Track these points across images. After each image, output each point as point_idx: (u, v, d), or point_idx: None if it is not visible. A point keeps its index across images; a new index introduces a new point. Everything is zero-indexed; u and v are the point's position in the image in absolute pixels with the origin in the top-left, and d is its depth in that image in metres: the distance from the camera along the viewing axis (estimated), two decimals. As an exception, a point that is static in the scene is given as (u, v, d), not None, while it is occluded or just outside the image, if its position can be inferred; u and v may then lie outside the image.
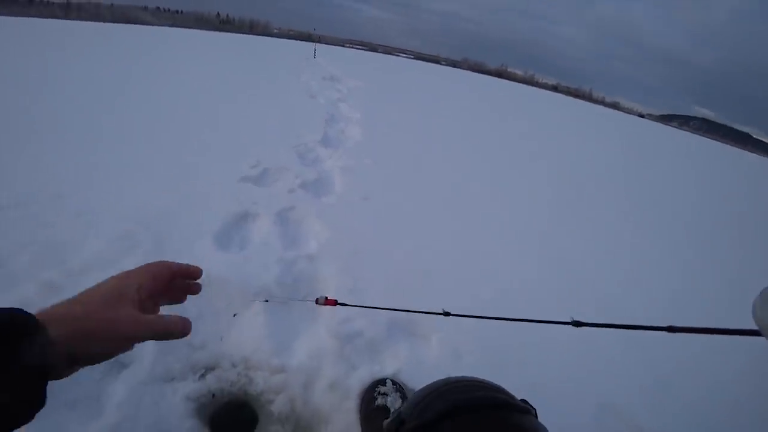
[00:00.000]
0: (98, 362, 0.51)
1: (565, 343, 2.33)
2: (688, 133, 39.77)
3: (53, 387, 1.30)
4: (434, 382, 0.93)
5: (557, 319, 1.11)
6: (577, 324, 1.08)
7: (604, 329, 1.03)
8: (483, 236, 3.51)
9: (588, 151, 9.60)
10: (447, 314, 1.38)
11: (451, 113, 11.04)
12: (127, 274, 0.60)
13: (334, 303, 1.46)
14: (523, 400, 0.83)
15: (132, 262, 2.33)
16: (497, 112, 14.28)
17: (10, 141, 3.96)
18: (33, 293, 2.04)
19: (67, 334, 0.46)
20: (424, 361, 2.06)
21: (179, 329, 0.59)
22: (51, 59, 8.47)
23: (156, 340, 0.57)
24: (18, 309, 0.43)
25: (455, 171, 5.27)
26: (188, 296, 0.75)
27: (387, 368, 1.95)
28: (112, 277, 0.59)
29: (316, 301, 1.45)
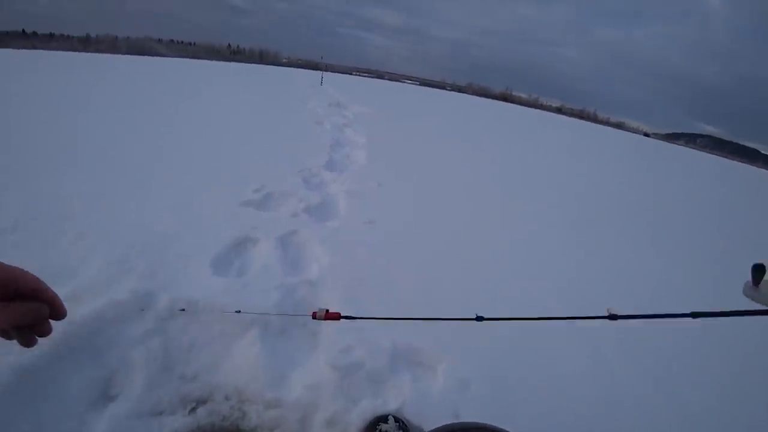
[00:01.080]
0: None
1: (580, 376, 2.20)
2: (695, 151, 39.42)
3: (34, 420, 1.20)
4: (443, 426, 0.83)
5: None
6: (613, 317, 1.04)
7: (640, 320, 1.07)
8: (491, 265, 3.38)
9: (595, 172, 9.49)
10: (480, 319, 1.25)
11: (456, 137, 11.07)
12: None
13: (338, 317, 1.31)
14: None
15: (125, 287, 2.26)
16: (502, 135, 14.32)
17: (18, 163, 3.99)
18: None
19: None
20: (429, 394, 1.93)
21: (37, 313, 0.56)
22: (63, 88, 8.67)
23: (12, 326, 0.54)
24: None
25: (460, 194, 5.20)
26: (45, 333, 0.61)
27: (389, 402, 1.82)
28: None
29: (313, 316, 1.30)
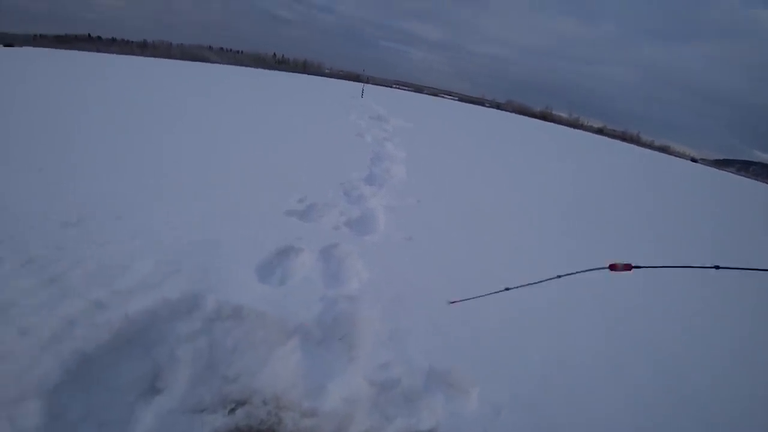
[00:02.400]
0: None
1: (615, 413, 2.14)
2: (747, 179, 36.73)
3: (88, 404, 1.30)
4: None
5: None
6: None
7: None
8: (532, 287, 3.31)
9: (640, 198, 9.17)
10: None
11: (495, 155, 10.98)
12: None
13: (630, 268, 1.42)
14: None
15: (175, 288, 2.38)
16: (542, 154, 14.06)
17: (81, 161, 4.28)
18: (79, 311, 2.11)
19: None
20: (463, 416, 1.93)
21: None
22: (124, 90, 9.22)
23: None
24: None
25: (501, 214, 5.15)
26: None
27: (423, 422, 1.84)
28: None
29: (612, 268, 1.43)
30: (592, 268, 1.84)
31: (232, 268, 2.68)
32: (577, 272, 2.00)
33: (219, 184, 4.20)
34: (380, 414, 1.86)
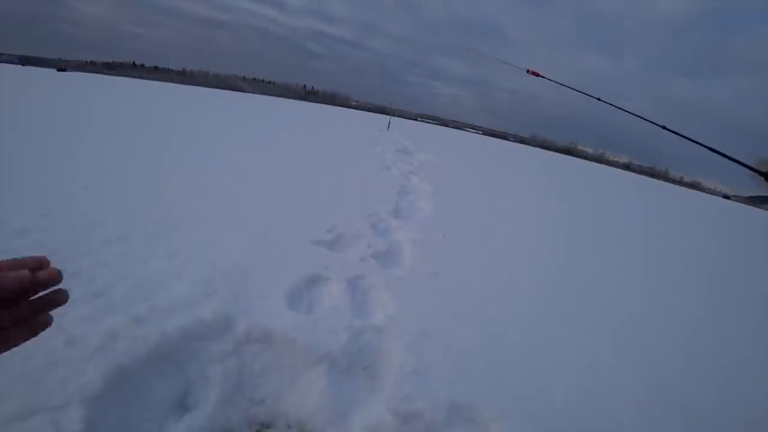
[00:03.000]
0: None
1: None
2: None
3: (122, 415, 1.39)
4: None
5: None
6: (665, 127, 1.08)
7: None
8: (556, 324, 3.30)
9: (672, 237, 8.94)
10: None
11: (520, 190, 10.98)
12: None
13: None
14: None
15: (209, 308, 2.49)
16: (568, 190, 13.96)
17: (125, 180, 4.53)
18: (121, 325, 2.23)
19: None
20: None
21: (15, 281, 0.47)
22: (167, 115, 9.72)
23: None
24: None
25: (526, 250, 5.15)
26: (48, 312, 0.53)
27: (445, 457, 1.85)
28: None
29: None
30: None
31: (262, 294, 2.79)
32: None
33: (252, 210, 4.39)
34: (402, 446, 1.88)
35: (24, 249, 2.90)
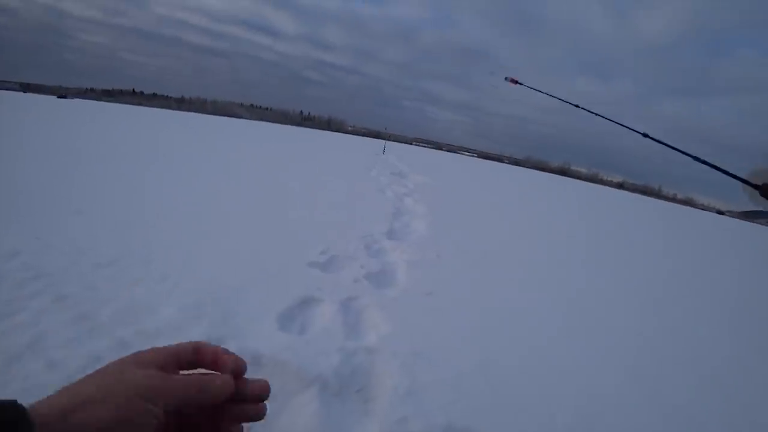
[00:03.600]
0: None
1: None
2: None
3: None
4: None
5: None
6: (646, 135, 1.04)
7: None
8: (556, 343, 3.22)
9: (668, 253, 8.92)
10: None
11: (515, 211, 11.01)
12: (135, 354, 0.42)
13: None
14: None
15: (197, 331, 2.44)
16: (562, 210, 13.99)
17: (117, 205, 4.50)
18: (106, 348, 2.18)
19: (56, 413, 0.33)
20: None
21: (222, 389, 0.42)
22: (162, 141, 9.77)
23: (190, 403, 0.40)
24: (9, 402, 0.32)
25: (522, 269, 5.11)
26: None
27: (441, 483, 1.77)
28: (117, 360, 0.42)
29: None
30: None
31: (253, 316, 2.73)
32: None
33: (246, 232, 4.36)
34: (397, 473, 1.80)
35: (13, 271, 2.86)
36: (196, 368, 0.43)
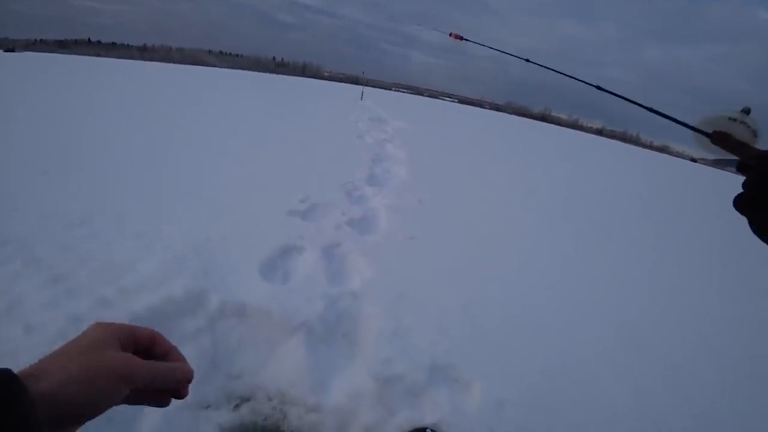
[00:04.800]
0: (91, 414, 0.41)
1: (633, 413, 2.15)
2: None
3: None
4: None
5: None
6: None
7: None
8: (535, 284, 3.34)
9: (636, 197, 9.17)
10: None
11: (495, 155, 11.01)
12: (106, 327, 0.48)
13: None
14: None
15: (180, 285, 2.40)
16: (542, 155, 14.07)
17: (84, 164, 4.31)
18: (86, 308, 2.14)
19: (50, 388, 0.38)
20: (466, 411, 1.94)
21: (181, 376, 0.48)
22: (126, 94, 9.26)
23: (151, 387, 0.46)
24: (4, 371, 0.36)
25: (502, 212, 5.18)
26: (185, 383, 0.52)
27: (427, 416, 1.85)
28: (89, 330, 0.47)
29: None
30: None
31: (235, 267, 2.70)
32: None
33: (222, 185, 4.23)
34: (384, 409, 1.87)
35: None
36: (150, 357, 0.48)
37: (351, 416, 1.85)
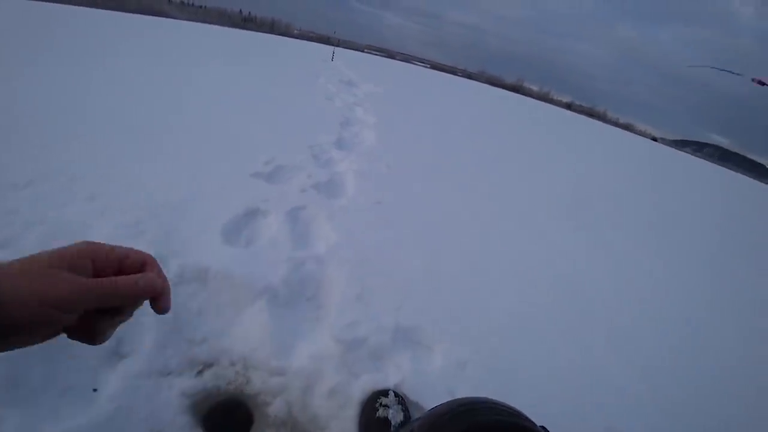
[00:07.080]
0: (23, 339, 0.42)
1: (579, 368, 2.28)
2: (701, 160, 38.30)
3: (49, 371, 1.26)
4: (451, 401, 0.88)
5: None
6: None
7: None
8: (495, 249, 3.44)
9: (598, 172, 9.49)
10: None
11: (465, 124, 11.02)
12: (61, 250, 0.46)
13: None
14: (542, 427, 0.78)
15: (140, 247, 2.30)
16: (511, 126, 14.24)
17: (27, 121, 3.99)
18: (37, 273, 2.03)
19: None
20: (428, 373, 2.00)
21: (144, 284, 0.48)
22: (76, 48, 8.57)
23: (102, 304, 0.44)
24: None
25: (468, 181, 5.22)
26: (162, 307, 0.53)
27: (390, 378, 1.89)
28: (64, 248, 0.47)
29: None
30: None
31: (196, 231, 2.61)
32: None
33: (182, 145, 4.02)
34: (348, 371, 1.90)
35: None
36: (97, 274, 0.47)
37: (315, 379, 1.87)
